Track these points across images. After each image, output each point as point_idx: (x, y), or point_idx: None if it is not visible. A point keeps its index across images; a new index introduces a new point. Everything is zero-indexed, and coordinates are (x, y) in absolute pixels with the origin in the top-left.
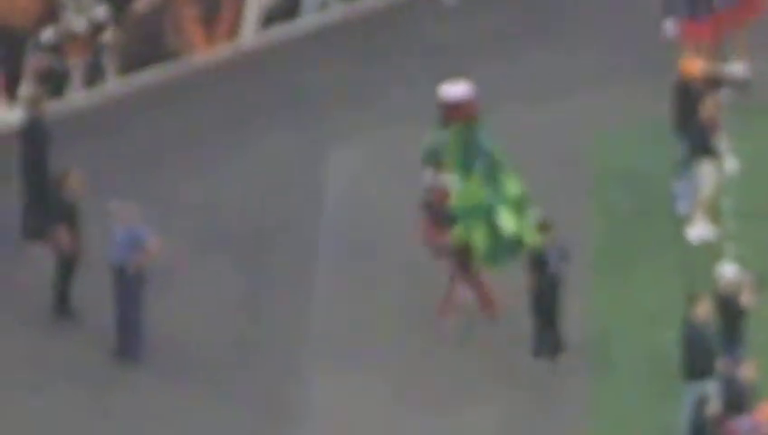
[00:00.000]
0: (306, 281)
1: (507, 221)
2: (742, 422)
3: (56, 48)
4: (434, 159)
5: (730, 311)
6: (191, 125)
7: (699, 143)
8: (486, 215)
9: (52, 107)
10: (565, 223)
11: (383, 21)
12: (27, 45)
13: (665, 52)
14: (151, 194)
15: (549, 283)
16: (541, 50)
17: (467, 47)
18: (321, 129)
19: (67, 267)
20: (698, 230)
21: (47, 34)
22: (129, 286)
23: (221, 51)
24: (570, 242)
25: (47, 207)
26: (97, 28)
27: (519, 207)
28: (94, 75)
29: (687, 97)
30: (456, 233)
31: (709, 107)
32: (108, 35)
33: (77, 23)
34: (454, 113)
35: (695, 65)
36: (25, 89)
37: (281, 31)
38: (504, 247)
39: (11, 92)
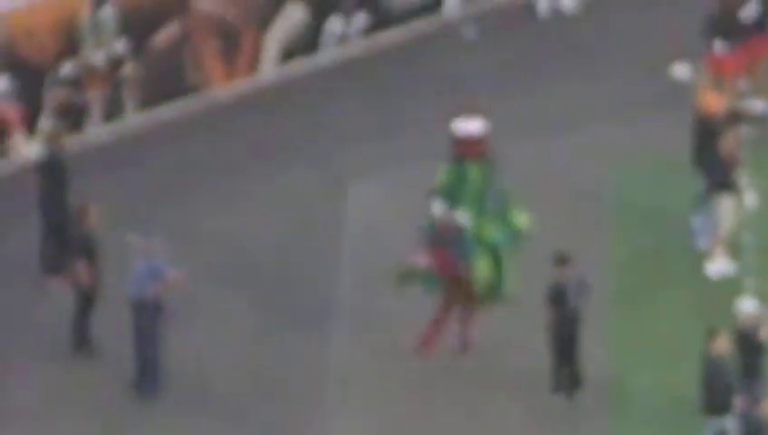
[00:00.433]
0: (325, 315)
1: (508, 263)
2: None
3: (75, 82)
4: (446, 195)
5: (749, 346)
6: (210, 159)
7: (719, 178)
8: (494, 252)
9: (72, 141)
10: (584, 257)
11: (402, 55)
12: (46, 79)
13: (683, 85)
14: (170, 228)
15: (567, 317)
16: (559, 83)
17: (486, 80)
18: (340, 163)
19: (86, 301)
20: (718, 266)
21: (66, 68)
22: (147, 320)
23: (240, 85)
24: (588, 277)
25: (66, 242)
26: (116, 62)
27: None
28: (113, 109)
29: (707, 132)
30: (464, 267)
31: (729, 142)
32: (127, 69)
33: (96, 57)
34: (466, 149)
35: (715, 100)
36: (45, 123)
37: (300, 65)
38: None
39: (30, 127)
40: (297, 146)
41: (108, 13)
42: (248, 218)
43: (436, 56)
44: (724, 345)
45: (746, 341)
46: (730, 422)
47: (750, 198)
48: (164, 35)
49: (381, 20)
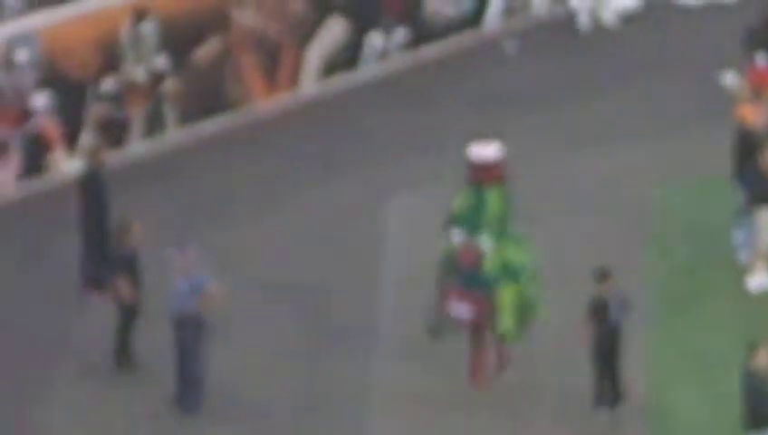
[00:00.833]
0: (366, 332)
1: (531, 286)
2: None
3: (116, 98)
4: (464, 222)
5: None
6: (251, 174)
7: (759, 191)
8: (517, 278)
9: (113, 157)
10: (625, 272)
11: (443, 69)
12: (87, 95)
13: (725, 100)
14: (211, 243)
15: (609, 332)
16: (601, 97)
17: (527, 95)
18: (380, 177)
19: (128, 318)
20: (759, 279)
21: (107, 84)
22: (188, 335)
23: (281, 100)
24: (629, 292)
25: (108, 258)
26: (157, 78)
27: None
28: (154, 125)
29: (748, 145)
30: (489, 296)
31: None
32: (168, 85)
33: (137, 72)
34: (483, 174)
35: (754, 113)
36: (85, 139)
37: (341, 80)
38: (526, 312)
39: (71, 143)
40: (338, 161)
41: (149, 28)
42: (289, 234)
43: (477, 71)
44: (765, 359)
45: None
46: None
47: None
48: (205, 50)
49: (422, 35)
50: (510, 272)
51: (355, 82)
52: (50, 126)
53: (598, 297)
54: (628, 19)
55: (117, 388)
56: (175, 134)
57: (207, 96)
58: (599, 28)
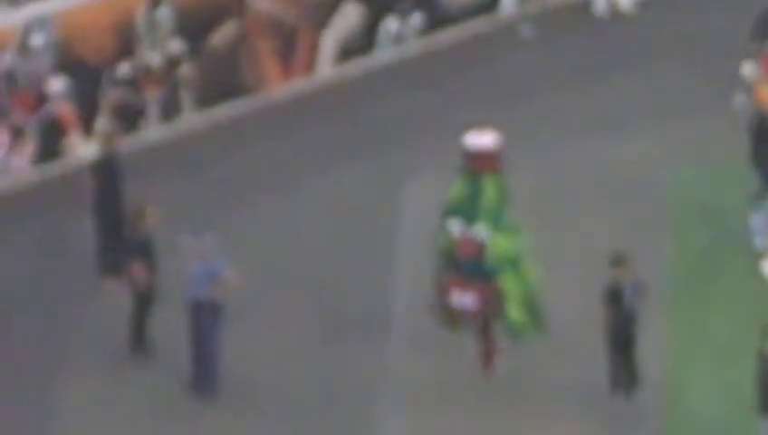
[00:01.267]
0: (381, 318)
1: (531, 272)
2: None
3: (132, 83)
4: (461, 212)
5: None
6: (266, 159)
7: None
8: (516, 266)
9: (128, 142)
10: (640, 257)
11: (458, 54)
12: (103, 80)
13: (739, 84)
14: (227, 228)
15: (624, 317)
16: (617, 82)
17: (543, 80)
18: (396, 162)
19: (143, 303)
20: None
21: (123, 69)
22: (204, 321)
23: (297, 85)
24: (645, 276)
25: (123, 244)
26: (173, 63)
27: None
28: (170, 110)
29: (763, 130)
30: (492, 286)
31: None
32: (184, 70)
33: (152, 57)
34: (481, 163)
35: None
36: (101, 124)
37: (357, 65)
38: (532, 299)
39: (86, 127)
40: (353, 145)
41: (164, 13)
42: (305, 217)
43: (493, 56)
44: None
45: None
46: None
47: None
48: (221, 35)
49: (437, 20)
50: (509, 261)
51: (370, 67)
52: (65, 111)
53: (613, 282)
54: (645, 4)
55: (132, 373)
56: (190, 119)
57: (223, 81)
58: (615, 13)
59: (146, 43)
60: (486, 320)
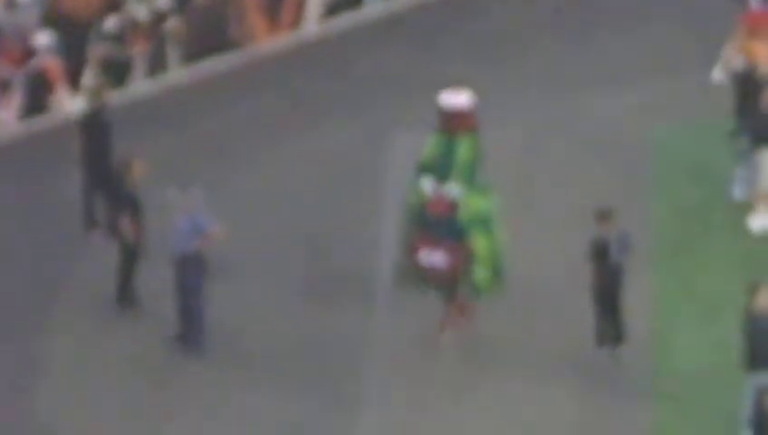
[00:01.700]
0: (367, 270)
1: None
2: None
3: (119, 37)
4: (435, 170)
5: None
6: (254, 114)
7: (761, 132)
8: (488, 226)
9: (115, 96)
10: (626, 212)
11: (446, 9)
12: (90, 35)
13: (725, 41)
14: (213, 183)
15: (610, 272)
16: (603, 39)
17: (530, 35)
18: (384, 117)
19: (130, 257)
20: (760, 220)
21: (110, 24)
22: (190, 275)
23: (284, 40)
24: (630, 232)
25: (110, 197)
26: (159, 17)
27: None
28: (157, 64)
29: (750, 85)
30: (462, 245)
31: None
32: (170, 24)
33: (139, 12)
34: (455, 123)
35: (760, 50)
36: (88, 78)
37: (344, 20)
38: (498, 260)
39: (74, 82)
40: (340, 100)
41: None
42: (292, 172)
43: (479, 10)
44: (766, 300)
45: None
46: None
47: None
48: None
49: None
50: (481, 220)
51: (358, 22)
52: (52, 65)
53: (599, 237)
54: None
55: (119, 326)
56: (177, 74)
57: (210, 36)
58: None
59: None
60: (453, 279)
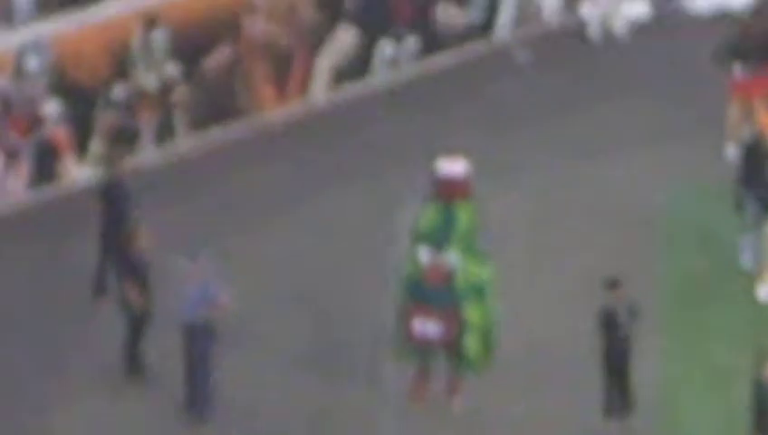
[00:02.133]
0: (375, 342)
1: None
2: None
3: (126, 106)
4: (432, 239)
5: None
6: (261, 182)
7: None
8: (483, 295)
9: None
10: (635, 281)
11: (453, 78)
12: (97, 102)
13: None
14: (222, 251)
15: (619, 341)
16: (612, 107)
17: (538, 104)
18: (391, 186)
19: (137, 324)
20: None
21: (117, 91)
22: (199, 344)
23: (292, 109)
24: (639, 299)
25: (117, 265)
26: (167, 86)
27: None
28: (164, 133)
29: (757, 155)
30: (458, 314)
31: None
32: (178, 93)
33: (147, 80)
34: (451, 190)
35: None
36: (95, 146)
37: (352, 89)
38: (491, 333)
39: (81, 150)
40: (347, 170)
41: (159, 35)
42: (301, 241)
43: (488, 80)
44: None
45: None
46: None
47: None
48: (215, 58)
49: (432, 43)
50: (476, 290)
51: (365, 91)
52: (60, 133)
53: (608, 307)
54: (639, 29)
55: (127, 395)
56: (185, 142)
57: (218, 104)
58: (609, 38)
59: (141, 65)
60: (448, 348)
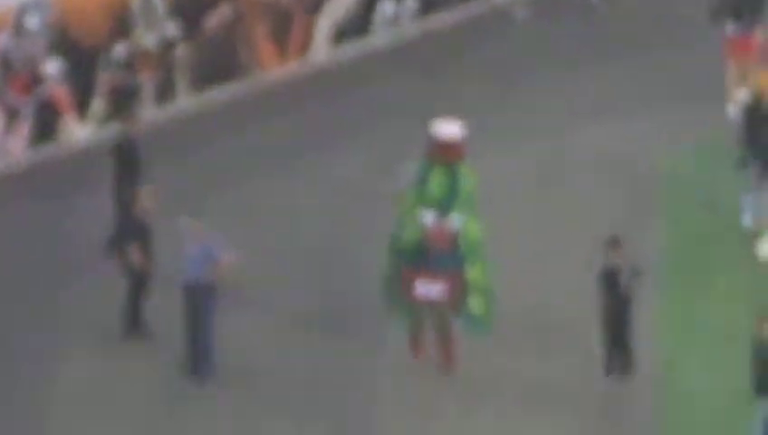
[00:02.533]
0: (374, 299)
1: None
2: None
3: (127, 65)
4: (436, 202)
5: None
6: (261, 141)
7: None
8: (482, 254)
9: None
10: (636, 240)
11: (454, 37)
12: (98, 62)
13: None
14: (222, 210)
15: (620, 301)
16: (613, 66)
17: (538, 62)
18: (392, 143)
19: (138, 285)
20: None
21: (118, 51)
22: (200, 303)
23: (292, 67)
24: (640, 260)
25: (118, 226)
26: (168, 45)
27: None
28: (165, 92)
29: (757, 113)
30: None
31: None
32: (179, 52)
33: (148, 39)
34: (451, 153)
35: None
36: (96, 105)
37: (352, 47)
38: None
39: (82, 109)
40: (348, 128)
41: None
42: (301, 199)
43: (487, 38)
44: None
45: None
46: None
47: None
48: (216, 18)
49: (433, 2)
50: (476, 249)
51: (366, 50)
52: (60, 92)
53: (609, 266)
54: None
55: (127, 355)
56: (186, 100)
57: (218, 63)
58: None
59: (141, 25)
60: (453, 308)
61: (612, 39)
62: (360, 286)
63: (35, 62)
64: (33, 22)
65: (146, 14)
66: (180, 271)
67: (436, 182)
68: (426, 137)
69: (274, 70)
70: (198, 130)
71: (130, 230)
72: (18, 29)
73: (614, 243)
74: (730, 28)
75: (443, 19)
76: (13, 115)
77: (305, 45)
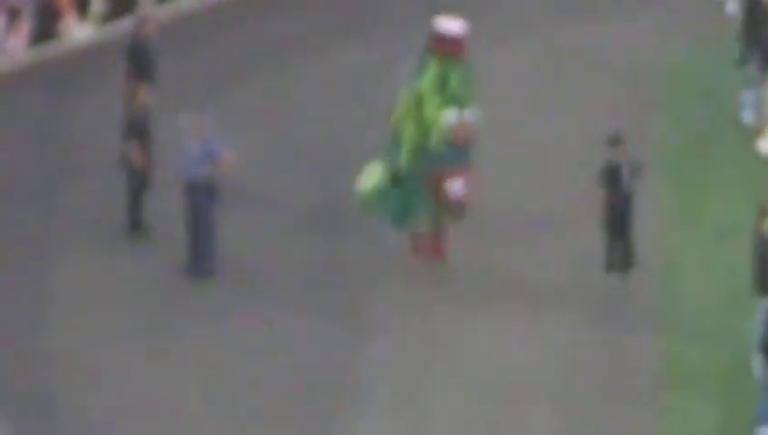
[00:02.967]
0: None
1: None
2: None
3: None
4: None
5: None
6: (264, 38)
7: None
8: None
9: (125, 22)
10: (636, 137)
11: None
12: None
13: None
14: (226, 108)
15: (620, 197)
16: None
17: None
18: (389, 42)
19: (138, 183)
20: None
21: None
22: (201, 201)
23: None
24: (640, 157)
25: (119, 124)
26: None
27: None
28: None
29: (757, 9)
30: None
31: None
32: None
33: None
34: (454, 47)
35: None
36: (97, 6)
37: None
38: None
39: (82, 10)
40: (346, 26)
41: None
42: (305, 98)
43: None
44: None
45: None
46: None
47: None
48: None
49: None
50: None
51: None
52: None
53: (610, 162)
54: None
55: (128, 254)
56: (188, 0)
57: None
58: None
59: None
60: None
61: None
62: (355, 179)
63: None
64: None
65: None
66: (181, 169)
67: (456, 79)
68: (427, 33)
69: None
70: (198, 27)
71: (129, 128)
72: None
73: (615, 140)
74: None
75: None
76: (13, 15)
77: None
